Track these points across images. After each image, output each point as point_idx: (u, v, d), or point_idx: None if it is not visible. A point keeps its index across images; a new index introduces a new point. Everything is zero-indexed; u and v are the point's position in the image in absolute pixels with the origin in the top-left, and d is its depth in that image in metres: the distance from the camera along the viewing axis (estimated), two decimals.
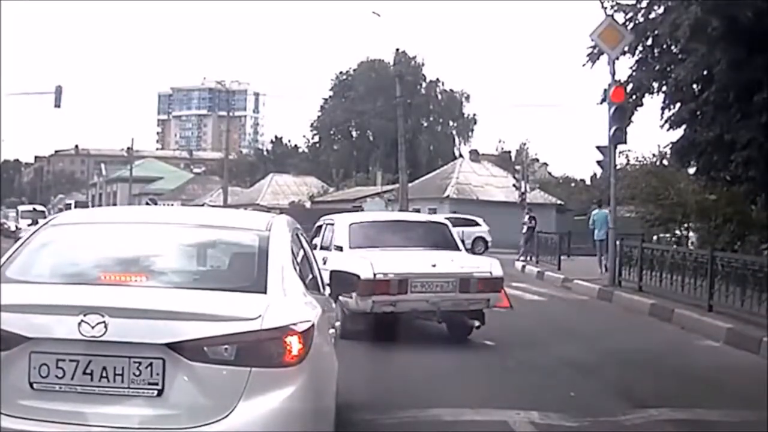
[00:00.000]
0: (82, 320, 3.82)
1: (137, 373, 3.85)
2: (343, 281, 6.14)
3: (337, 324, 5.92)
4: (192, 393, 3.85)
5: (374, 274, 10.34)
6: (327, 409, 4.50)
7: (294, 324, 4.05)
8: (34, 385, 3.85)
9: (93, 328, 3.82)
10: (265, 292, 4.25)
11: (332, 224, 12.22)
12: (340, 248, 11.46)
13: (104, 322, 3.82)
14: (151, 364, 3.85)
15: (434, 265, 10.84)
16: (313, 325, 4.20)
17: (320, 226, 12.72)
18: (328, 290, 5.92)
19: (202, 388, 3.86)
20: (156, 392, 3.85)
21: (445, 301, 10.76)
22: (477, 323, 11.23)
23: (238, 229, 4.98)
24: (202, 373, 3.86)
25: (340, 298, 9.44)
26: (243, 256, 4.70)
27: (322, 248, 11.67)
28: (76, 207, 53.47)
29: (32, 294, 4.15)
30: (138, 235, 4.87)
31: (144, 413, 3.83)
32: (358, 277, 6.56)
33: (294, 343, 4.01)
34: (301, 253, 5.34)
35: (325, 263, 9.84)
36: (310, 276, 5.39)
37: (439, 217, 16.31)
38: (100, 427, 3.79)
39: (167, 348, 3.85)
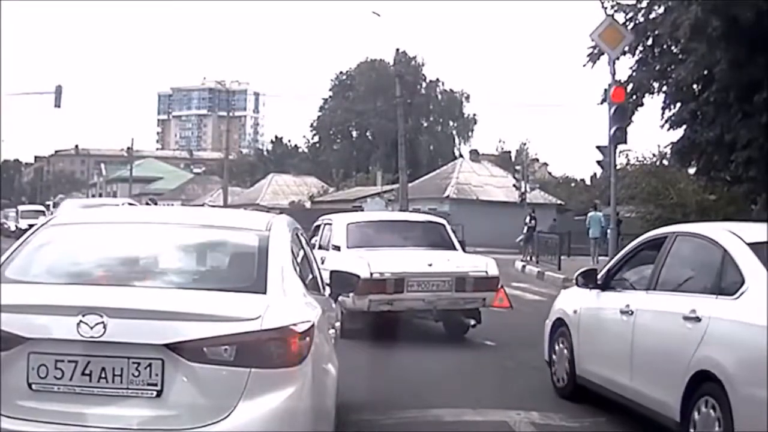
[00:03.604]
0: (80, 321, 3.81)
1: (136, 373, 3.83)
2: (343, 281, 6.10)
3: (338, 324, 5.92)
4: (191, 394, 3.83)
5: (371, 274, 10.44)
6: (327, 409, 4.50)
7: (294, 324, 4.04)
8: (33, 386, 3.84)
9: (92, 328, 3.81)
10: (264, 293, 4.22)
11: (330, 224, 12.30)
12: (337, 248, 11.52)
13: (103, 322, 3.82)
14: (150, 365, 3.83)
15: (430, 265, 10.95)
16: (313, 326, 4.18)
17: (318, 226, 12.78)
18: (328, 290, 5.90)
19: (202, 388, 3.84)
20: (155, 393, 3.83)
21: (441, 300, 10.87)
22: (473, 322, 11.36)
23: (237, 230, 4.95)
24: (201, 374, 3.84)
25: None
26: (243, 256, 4.67)
27: (320, 248, 11.74)
28: (54, 207, 52.77)
29: (31, 294, 4.13)
30: (137, 235, 4.86)
31: (143, 414, 3.82)
32: (359, 277, 6.57)
33: (294, 344, 4.00)
34: (301, 253, 5.32)
35: (323, 263, 9.88)
36: (310, 276, 5.38)
37: (436, 217, 16.31)
38: (99, 428, 3.78)
39: (166, 348, 3.83)
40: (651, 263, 6.80)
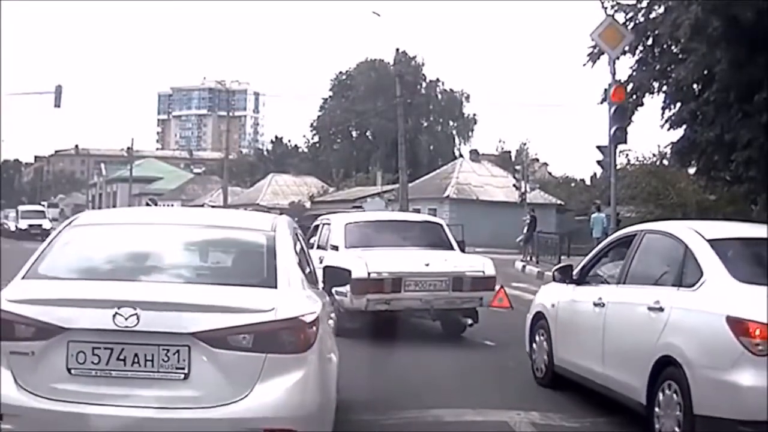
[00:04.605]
0: (116, 312, 4.25)
1: (166, 359, 4.29)
2: (335, 276, 6.44)
3: (333, 315, 6.25)
4: (215, 376, 4.29)
5: (368, 273, 10.55)
6: (331, 390, 4.97)
7: (302, 315, 4.53)
8: (72, 371, 4.28)
9: (126, 319, 4.25)
10: (275, 287, 4.69)
11: (329, 224, 12.35)
12: (336, 248, 11.56)
13: (137, 314, 4.26)
14: (178, 351, 4.29)
15: (428, 264, 11.04)
16: (318, 316, 4.66)
17: (317, 226, 12.83)
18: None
19: (223, 372, 4.30)
20: (182, 376, 4.29)
21: (439, 300, 10.96)
22: (470, 321, 11.41)
23: (246, 230, 5.40)
24: (223, 359, 4.30)
25: (336, 296, 9.96)
26: (254, 254, 5.09)
27: (318, 248, 11.82)
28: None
29: (69, 289, 4.57)
30: (155, 236, 5.26)
31: (172, 395, 4.27)
32: (350, 272, 6.85)
33: (303, 332, 4.49)
34: (299, 249, 5.68)
35: (321, 263, 9.92)
36: (308, 270, 5.76)
37: (434, 217, 16.36)
38: (133, 408, 4.22)
39: (192, 337, 4.28)
40: (622, 259, 7.33)
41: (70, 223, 5.40)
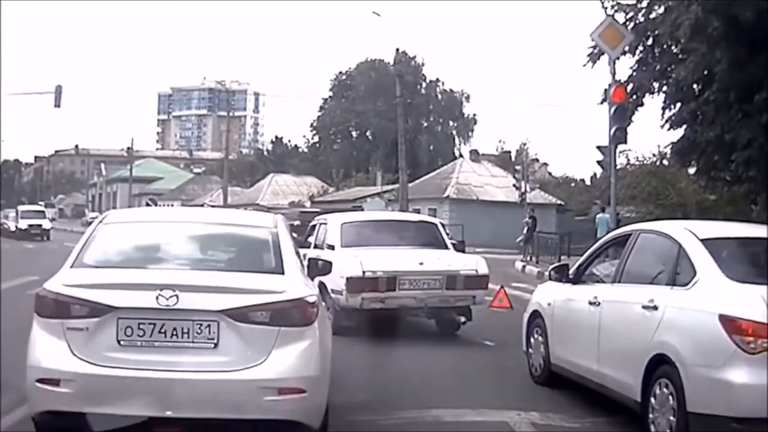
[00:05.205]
0: (159, 294, 5.13)
1: (199, 331, 5.18)
2: (317, 266, 7.28)
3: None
4: (238, 345, 5.20)
5: (363, 272, 10.68)
6: (328, 359, 5.81)
7: (306, 296, 5.50)
8: (121, 342, 5.15)
9: (167, 299, 5.13)
10: (283, 274, 5.63)
11: (325, 224, 12.47)
12: (332, 247, 11.65)
13: (176, 295, 5.14)
14: (209, 325, 5.18)
15: (422, 263, 11.15)
16: (318, 298, 5.66)
17: (314, 226, 12.93)
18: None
19: (246, 341, 5.21)
20: (213, 345, 5.19)
21: (432, 298, 11.07)
22: (463, 319, 11.50)
23: (254, 227, 6.29)
24: (245, 331, 5.21)
25: (332, 295, 10.62)
26: (263, 247, 5.95)
27: (315, 247, 11.93)
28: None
29: (117, 275, 5.45)
30: (178, 231, 6.14)
31: (204, 360, 5.16)
32: (331, 264, 7.37)
33: (308, 310, 5.43)
34: (292, 242, 6.43)
35: None
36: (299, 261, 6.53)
37: (429, 217, 16.45)
38: (172, 371, 5.07)
39: (221, 313, 5.18)
40: (618, 258, 7.47)
41: (101, 221, 6.25)
